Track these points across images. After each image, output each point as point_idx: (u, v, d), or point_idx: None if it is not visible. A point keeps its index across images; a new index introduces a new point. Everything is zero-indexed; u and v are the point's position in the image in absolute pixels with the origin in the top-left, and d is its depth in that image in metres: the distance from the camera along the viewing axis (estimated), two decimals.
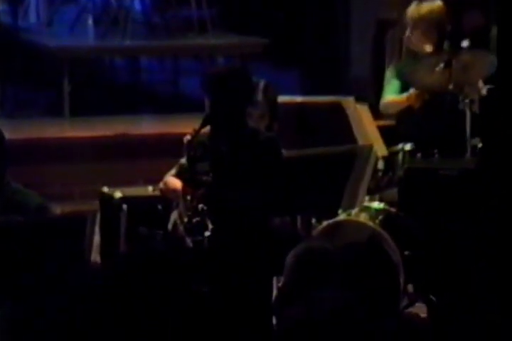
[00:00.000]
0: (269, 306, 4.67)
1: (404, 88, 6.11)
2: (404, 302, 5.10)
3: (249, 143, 5.07)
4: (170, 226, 5.23)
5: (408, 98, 6.03)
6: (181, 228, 4.96)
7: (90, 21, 8.61)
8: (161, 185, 5.35)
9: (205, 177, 5.01)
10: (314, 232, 5.40)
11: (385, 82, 6.20)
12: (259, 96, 5.55)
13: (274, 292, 4.84)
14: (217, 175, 5.01)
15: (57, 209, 5.64)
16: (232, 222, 4.91)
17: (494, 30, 6.73)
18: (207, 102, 5.10)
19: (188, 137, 5.03)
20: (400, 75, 6.08)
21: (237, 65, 7.70)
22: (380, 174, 5.79)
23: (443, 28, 6.09)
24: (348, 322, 3.43)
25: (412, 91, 6.01)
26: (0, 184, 5.12)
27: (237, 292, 4.79)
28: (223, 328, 4.82)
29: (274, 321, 4.63)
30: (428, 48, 6.09)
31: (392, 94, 6.15)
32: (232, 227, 4.90)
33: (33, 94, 8.16)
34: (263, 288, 4.81)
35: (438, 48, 6.07)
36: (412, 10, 6.12)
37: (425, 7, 6.10)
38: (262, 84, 5.59)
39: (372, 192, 5.63)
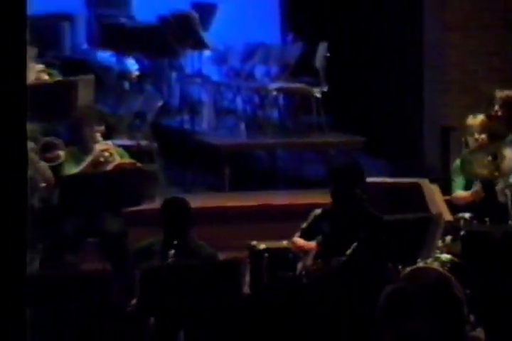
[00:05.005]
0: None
1: (467, 183, 6.04)
2: (468, 328, 4.98)
3: (359, 216, 4.99)
4: (298, 272, 5.20)
5: (472, 195, 5.94)
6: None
7: (243, 126, 8.65)
8: (290, 243, 5.34)
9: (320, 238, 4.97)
10: (401, 276, 5.32)
11: (452, 176, 6.14)
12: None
13: None
14: (334, 239, 4.96)
15: (221, 256, 5.68)
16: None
17: None
18: (331, 185, 5.05)
19: (318, 211, 5.03)
20: (460, 171, 6.03)
21: (347, 158, 7.70)
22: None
23: (494, 132, 5.98)
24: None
25: (474, 188, 5.92)
26: (185, 239, 5.17)
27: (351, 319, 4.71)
28: None
29: None
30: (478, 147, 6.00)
31: (459, 189, 6.07)
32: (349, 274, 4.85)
33: (203, 178, 8.15)
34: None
35: (489, 145, 5.99)
36: (470, 121, 6.06)
37: (479, 119, 6.04)
38: None
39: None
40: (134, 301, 4.81)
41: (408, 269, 5.36)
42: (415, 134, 8.21)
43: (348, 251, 4.88)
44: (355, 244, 4.87)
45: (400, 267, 5.40)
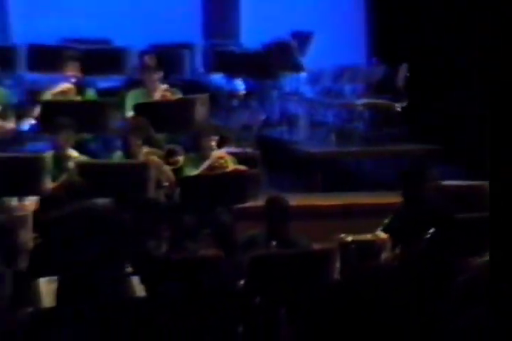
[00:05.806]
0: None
1: None
2: None
3: (427, 214, 4.91)
4: (381, 260, 5.13)
5: None
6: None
7: (333, 137, 8.60)
8: (374, 237, 5.29)
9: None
10: (471, 267, 5.17)
11: None
12: None
13: None
14: (405, 235, 4.90)
15: (315, 246, 5.65)
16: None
17: None
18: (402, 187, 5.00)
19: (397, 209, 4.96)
20: None
21: (420, 164, 7.58)
22: None
23: None
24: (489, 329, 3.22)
25: None
26: (284, 232, 5.18)
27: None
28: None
29: None
30: None
31: None
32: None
33: (299, 180, 8.08)
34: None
35: None
36: None
37: None
38: None
39: None
40: (241, 282, 4.84)
41: (478, 261, 5.22)
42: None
43: (419, 246, 4.80)
44: (424, 240, 4.78)
45: (470, 260, 5.27)
